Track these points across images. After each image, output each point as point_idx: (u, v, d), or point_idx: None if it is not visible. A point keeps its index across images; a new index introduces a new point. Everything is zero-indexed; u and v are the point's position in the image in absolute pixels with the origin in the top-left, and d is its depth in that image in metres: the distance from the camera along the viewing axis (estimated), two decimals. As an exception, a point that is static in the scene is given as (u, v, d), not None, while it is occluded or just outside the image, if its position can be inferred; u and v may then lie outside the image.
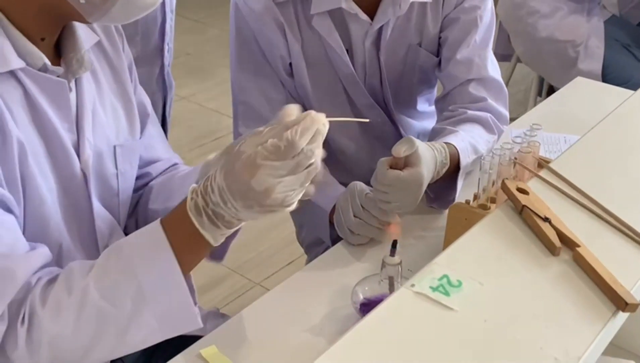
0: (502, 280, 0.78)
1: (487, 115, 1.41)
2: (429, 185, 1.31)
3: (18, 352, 0.87)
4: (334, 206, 1.27)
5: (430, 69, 1.48)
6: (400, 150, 1.16)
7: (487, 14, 1.43)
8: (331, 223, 1.29)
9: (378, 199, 1.19)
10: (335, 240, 1.28)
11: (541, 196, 0.89)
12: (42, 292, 0.87)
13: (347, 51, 1.39)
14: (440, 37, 1.44)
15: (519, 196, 0.86)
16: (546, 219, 0.83)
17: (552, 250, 0.81)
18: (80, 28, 1.01)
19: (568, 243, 0.82)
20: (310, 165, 0.84)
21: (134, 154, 1.14)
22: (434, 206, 1.35)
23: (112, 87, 1.09)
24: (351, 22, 1.36)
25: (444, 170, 1.25)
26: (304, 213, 1.38)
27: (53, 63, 0.97)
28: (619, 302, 0.74)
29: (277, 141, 0.82)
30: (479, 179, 1.16)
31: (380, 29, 1.38)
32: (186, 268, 0.89)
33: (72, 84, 1.00)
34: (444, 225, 1.20)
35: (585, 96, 1.74)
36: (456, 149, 1.28)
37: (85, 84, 1.02)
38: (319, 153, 0.85)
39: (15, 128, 0.91)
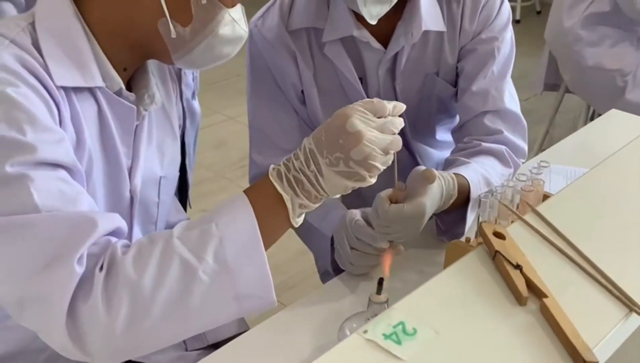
0: (461, 329, 0.76)
1: (503, 148, 1.38)
2: (439, 216, 1.30)
3: (91, 301, 0.83)
4: None
5: (448, 98, 1.45)
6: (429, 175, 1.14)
7: (506, 46, 1.40)
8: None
9: (379, 233, 1.17)
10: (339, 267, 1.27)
11: (524, 240, 0.86)
12: (123, 245, 0.88)
13: (361, 79, 1.39)
14: (457, 68, 1.42)
15: (494, 240, 0.84)
16: (517, 267, 0.80)
17: (519, 299, 0.78)
18: (150, 67, 1.09)
19: (537, 292, 0.79)
20: (393, 137, 0.91)
21: (173, 187, 1.23)
22: (443, 239, 1.32)
23: (161, 123, 1.15)
24: (364, 50, 1.36)
25: (451, 201, 1.23)
26: (308, 239, 1.39)
27: None
28: (577, 358, 0.71)
29: (369, 100, 0.92)
30: (479, 216, 1.13)
31: (395, 57, 1.37)
32: (265, 238, 0.90)
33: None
34: (446, 261, 1.18)
35: (616, 129, 1.68)
36: (467, 180, 1.25)
37: (144, 118, 1.09)
38: (399, 138, 0.92)
39: (89, 139, 0.97)
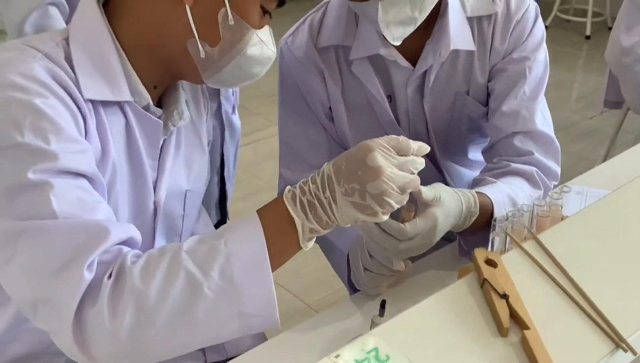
0: (435, 359, 0.75)
1: (533, 169, 1.34)
2: (462, 236, 1.28)
3: (97, 307, 0.85)
4: None
5: (479, 118, 1.43)
6: (421, 193, 1.10)
7: (538, 66, 1.38)
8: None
9: (395, 253, 1.15)
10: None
11: (520, 268, 0.84)
12: (134, 255, 0.90)
13: (389, 97, 1.39)
14: (488, 87, 1.40)
15: (484, 268, 0.82)
16: (503, 296, 0.79)
17: (500, 330, 0.77)
18: (180, 85, 1.12)
19: (520, 323, 0.77)
20: (412, 176, 0.91)
21: (199, 200, 1.25)
22: (466, 259, 1.30)
23: (190, 138, 1.18)
24: (392, 68, 1.36)
25: (472, 219, 1.20)
26: (328, 253, 1.39)
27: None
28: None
29: (395, 137, 0.93)
30: (491, 240, 1.11)
31: (424, 76, 1.36)
32: (273, 258, 0.90)
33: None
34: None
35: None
36: (490, 200, 1.23)
37: (173, 133, 1.12)
38: (418, 179, 0.93)
39: (114, 151, 1.01)
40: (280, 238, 0.91)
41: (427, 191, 1.11)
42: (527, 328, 0.76)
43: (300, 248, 0.93)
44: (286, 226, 0.91)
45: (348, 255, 1.25)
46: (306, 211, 0.91)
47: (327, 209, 0.91)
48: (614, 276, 0.86)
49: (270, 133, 3.42)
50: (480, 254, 0.84)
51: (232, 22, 0.99)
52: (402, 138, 0.93)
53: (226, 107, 1.59)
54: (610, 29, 5.32)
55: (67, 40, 0.99)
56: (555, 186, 1.37)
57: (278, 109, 1.46)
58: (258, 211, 0.93)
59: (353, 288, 1.28)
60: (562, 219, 1.08)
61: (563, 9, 5.42)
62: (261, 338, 1.31)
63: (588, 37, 5.20)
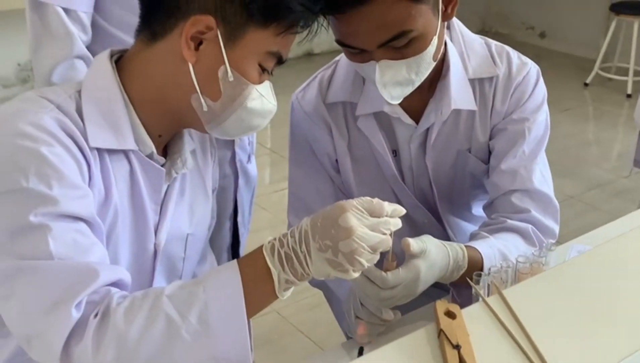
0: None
1: (528, 226, 1.38)
2: (454, 288, 1.31)
3: (83, 343, 0.91)
4: None
5: (481, 175, 1.48)
6: (408, 244, 1.16)
7: (538, 127, 1.42)
8: None
9: (379, 301, 1.20)
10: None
11: (482, 321, 0.88)
12: (120, 297, 0.96)
13: (394, 152, 1.45)
14: (489, 146, 1.45)
15: (442, 319, 0.87)
16: (456, 347, 0.83)
17: (450, 378, 0.81)
18: (186, 134, 1.20)
19: (470, 374, 0.81)
20: (383, 237, 0.96)
21: (201, 243, 1.31)
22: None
23: (195, 184, 1.26)
24: (396, 125, 1.42)
25: (461, 272, 1.24)
26: (329, 299, 1.44)
27: (158, 154, 1.15)
28: None
29: (368, 199, 0.98)
30: (473, 294, 1.15)
31: (427, 133, 1.42)
32: (250, 306, 0.97)
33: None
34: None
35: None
36: (480, 254, 1.27)
37: (177, 179, 1.20)
38: (389, 239, 0.97)
39: (117, 196, 1.09)
40: (257, 287, 0.97)
41: (415, 244, 1.16)
42: (477, 378, 0.80)
43: (276, 297, 0.98)
44: (263, 276, 0.97)
45: None
46: (283, 263, 0.97)
47: (303, 263, 0.97)
48: (571, 335, 0.89)
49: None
50: (440, 305, 0.89)
51: (231, 79, 1.06)
52: (376, 201, 0.98)
53: (241, 156, 1.67)
54: (651, 88, 5.32)
55: (79, 92, 1.08)
56: (550, 243, 1.40)
57: (288, 160, 1.53)
58: (238, 260, 0.99)
59: (349, 335, 1.33)
60: (544, 276, 1.12)
61: (605, 67, 5.43)
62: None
63: (629, 96, 5.19)
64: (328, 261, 0.96)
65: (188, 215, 1.24)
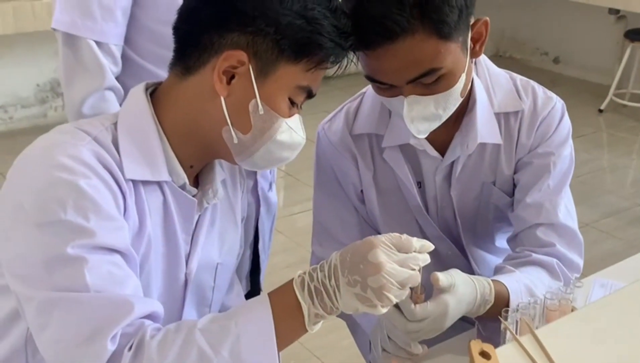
0: None
1: (553, 260, 1.39)
2: (481, 322, 1.32)
3: None
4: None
5: (506, 208, 1.49)
6: (437, 279, 1.17)
7: (563, 162, 1.43)
8: None
9: (406, 333, 1.21)
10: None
11: (515, 361, 0.89)
12: (154, 329, 0.98)
13: (419, 183, 1.46)
14: (514, 179, 1.46)
15: (477, 359, 0.87)
16: (494, 387, 0.84)
17: (488, 418, 0.81)
18: (217, 165, 1.22)
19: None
20: (412, 272, 0.98)
21: (230, 273, 1.33)
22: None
23: (225, 213, 1.28)
24: (422, 157, 1.43)
25: (487, 307, 1.25)
26: (353, 332, 1.45)
27: (190, 185, 1.17)
28: None
29: (397, 235, 1.00)
30: (502, 331, 1.15)
31: (452, 165, 1.43)
32: (280, 339, 0.98)
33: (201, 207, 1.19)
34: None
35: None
36: (507, 288, 1.28)
37: (208, 209, 1.21)
38: (417, 275, 0.99)
39: (150, 226, 1.11)
40: (288, 321, 0.99)
41: (444, 279, 1.17)
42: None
43: (306, 330, 1.00)
44: (294, 310, 0.99)
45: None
46: (313, 297, 0.98)
47: (332, 297, 0.98)
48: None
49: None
50: (475, 345, 0.89)
51: (262, 112, 1.09)
52: (405, 236, 1.01)
53: (263, 184, 1.69)
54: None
55: (115, 124, 1.11)
56: (576, 279, 1.41)
57: (313, 189, 1.55)
58: (269, 294, 1.01)
59: None
60: (573, 313, 1.12)
61: (619, 94, 5.44)
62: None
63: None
64: (357, 296, 0.97)
65: (218, 245, 1.26)
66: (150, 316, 1.01)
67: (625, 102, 5.37)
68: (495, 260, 1.58)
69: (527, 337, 0.95)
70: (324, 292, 0.98)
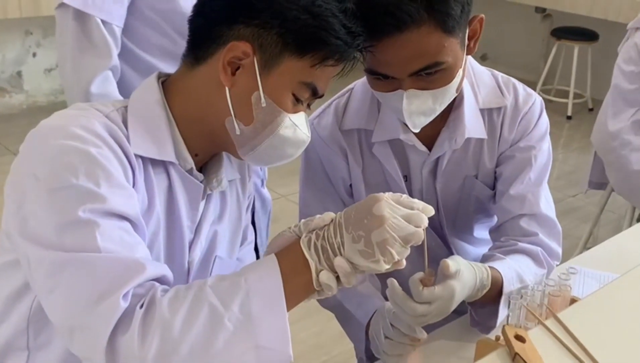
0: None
1: (538, 249, 1.45)
2: (473, 307, 1.37)
3: (129, 334, 0.92)
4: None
5: (486, 199, 1.55)
6: (448, 266, 1.22)
7: (543, 155, 1.50)
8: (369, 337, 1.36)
9: (412, 317, 1.24)
10: (372, 355, 1.35)
11: (544, 344, 0.93)
12: (164, 289, 0.99)
13: (405, 177, 1.50)
14: (495, 172, 1.52)
15: (515, 343, 0.91)
16: (533, 368, 0.88)
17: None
18: (226, 160, 1.23)
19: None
20: (416, 229, 0.99)
21: (227, 268, 1.31)
22: (477, 328, 1.39)
23: (233, 210, 1.29)
24: (410, 152, 1.47)
25: (484, 291, 1.30)
26: (345, 324, 1.48)
27: None
28: None
29: (398, 194, 1.02)
30: (508, 317, 1.20)
31: (438, 159, 1.48)
32: (289, 297, 0.98)
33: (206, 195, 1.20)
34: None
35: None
36: (500, 275, 1.33)
37: (213, 199, 1.22)
38: (421, 232, 1.00)
39: (159, 206, 1.11)
40: (296, 278, 1.00)
41: (452, 265, 1.22)
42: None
43: (313, 289, 1.01)
44: (301, 268, 1.01)
45: (367, 326, 1.34)
46: (319, 254, 1.00)
47: (337, 254, 1.00)
48: (635, 355, 0.95)
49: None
50: (510, 330, 0.93)
51: (264, 105, 1.10)
52: (405, 196, 1.03)
53: (255, 180, 1.70)
54: (590, 110, 5.58)
55: (126, 108, 1.12)
56: (556, 266, 1.48)
57: (300, 183, 1.56)
58: (276, 254, 1.03)
59: (370, 358, 1.36)
60: (571, 299, 1.19)
61: (545, 89, 5.66)
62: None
63: (569, 118, 5.42)
64: (360, 252, 0.99)
65: (220, 237, 1.26)
66: (160, 280, 1.01)
67: (551, 97, 5.59)
68: (473, 250, 1.64)
69: (548, 321, 1.00)
70: (329, 249, 1.00)
